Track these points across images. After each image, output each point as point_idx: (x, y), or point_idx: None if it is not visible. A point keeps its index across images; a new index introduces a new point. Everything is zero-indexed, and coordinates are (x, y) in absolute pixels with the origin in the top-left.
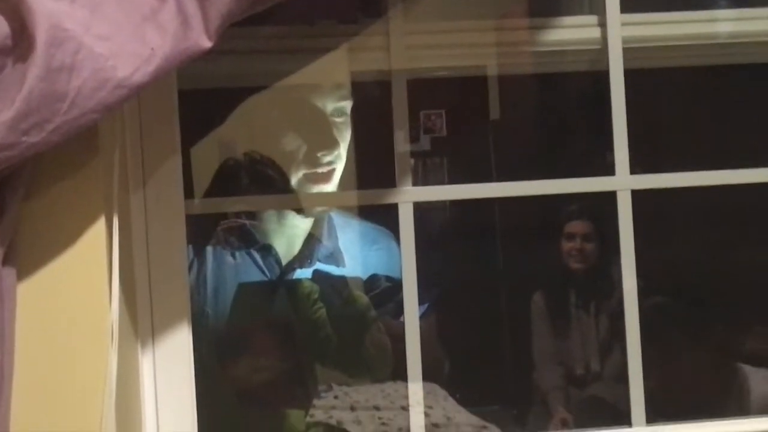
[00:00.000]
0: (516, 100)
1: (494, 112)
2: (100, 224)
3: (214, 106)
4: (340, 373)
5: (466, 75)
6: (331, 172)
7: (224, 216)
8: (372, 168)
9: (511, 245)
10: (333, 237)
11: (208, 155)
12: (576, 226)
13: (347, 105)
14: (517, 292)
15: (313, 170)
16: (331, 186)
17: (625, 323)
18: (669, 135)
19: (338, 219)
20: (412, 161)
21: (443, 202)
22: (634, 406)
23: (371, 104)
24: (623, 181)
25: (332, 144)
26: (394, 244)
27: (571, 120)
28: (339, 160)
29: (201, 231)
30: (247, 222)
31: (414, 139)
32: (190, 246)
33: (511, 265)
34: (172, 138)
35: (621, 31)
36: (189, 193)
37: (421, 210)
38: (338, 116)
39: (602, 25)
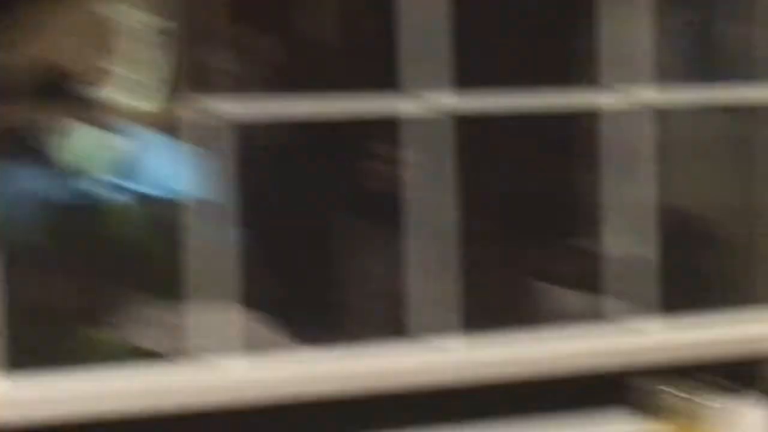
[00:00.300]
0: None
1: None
2: None
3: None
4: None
5: None
6: (106, 78)
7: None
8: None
9: (317, 166)
10: (133, 151)
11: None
12: (379, 148)
13: (155, 19)
14: (321, 214)
15: (88, 75)
16: (107, 91)
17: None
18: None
19: (149, 138)
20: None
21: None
22: None
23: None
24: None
25: (137, 58)
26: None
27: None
28: (149, 74)
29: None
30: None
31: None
32: None
33: (317, 186)
34: None
35: None
36: None
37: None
38: (145, 30)
39: None
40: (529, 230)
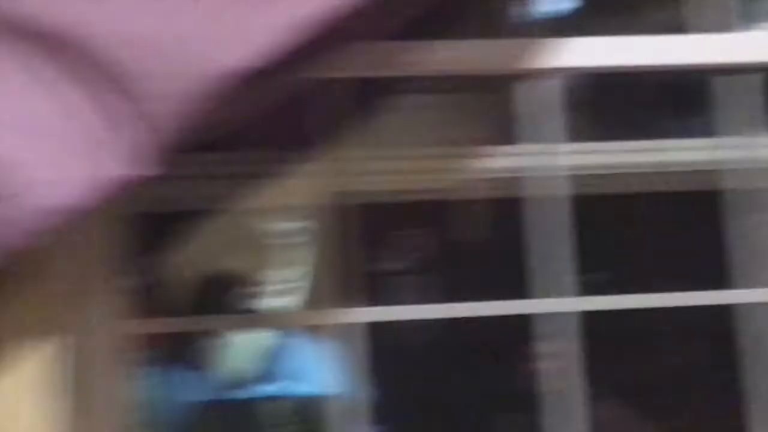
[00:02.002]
0: (479, 223)
1: (460, 234)
2: (46, 346)
3: (164, 228)
4: None
5: (421, 200)
6: (292, 290)
7: (178, 336)
8: (335, 289)
9: (476, 366)
10: (289, 355)
11: (166, 277)
12: (542, 347)
13: (305, 225)
14: (484, 415)
15: (274, 288)
16: (294, 301)
17: None
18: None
19: (295, 339)
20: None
21: (414, 324)
22: None
23: (335, 226)
24: (572, 302)
25: (287, 264)
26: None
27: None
28: (298, 278)
29: (153, 351)
30: (199, 343)
31: (385, 259)
32: (140, 367)
33: (477, 387)
34: (114, 260)
35: (568, 159)
36: (150, 311)
37: (389, 330)
38: (297, 237)
39: (552, 153)
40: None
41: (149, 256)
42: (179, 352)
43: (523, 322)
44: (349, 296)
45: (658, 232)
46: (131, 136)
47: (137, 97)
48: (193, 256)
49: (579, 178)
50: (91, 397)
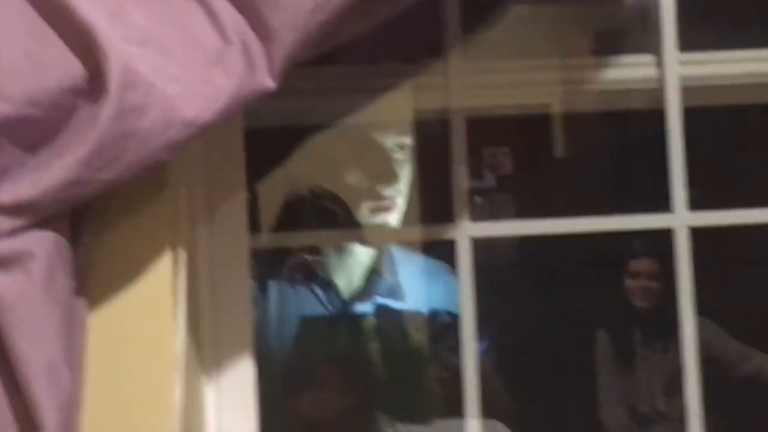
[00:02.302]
0: (580, 138)
1: (559, 150)
2: (167, 257)
3: (279, 143)
4: (388, 414)
5: (526, 113)
6: (391, 205)
7: (287, 251)
8: (435, 205)
9: (576, 283)
10: (393, 272)
11: (274, 192)
12: (640, 264)
13: (407, 140)
14: (583, 330)
15: (375, 203)
16: (392, 218)
17: (684, 360)
18: (733, 174)
19: (398, 254)
20: (479, 199)
21: (509, 241)
22: None
23: (435, 141)
24: (681, 218)
25: (392, 178)
26: (452, 278)
27: (635, 159)
28: (399, 193)
29: (266, 266)
30: (308, 258)
31: (477, 176)
32: (255, 281)
33: (575, 304)
34: (238, 175)
35: (678, 70)
36: (255, 227)
37: (486, 248)
38: (398, 151)
39: (659, 64)
40: None
41: (263, 171)
42: (289, 268)
43: (625, 239)
44: (450, 212)
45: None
46: (248, 50)
47: (253, 10)
48: (302, 172)
49: (689, 90)
50: (212, 312)
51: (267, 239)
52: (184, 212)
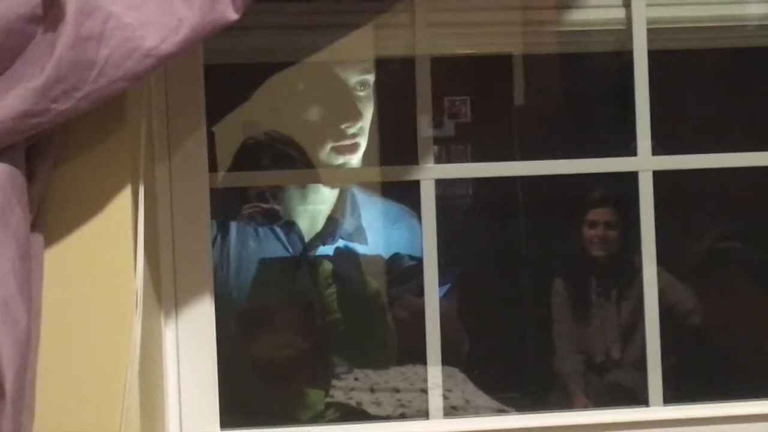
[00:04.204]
0: (541, 84)
1: (519, 98)
2: (126, 193)
3: (240, 81)
4: (345, 359)
5: (490, 54)
6: (355, 145)
7: (247, 191)
8: (397, 147)
9: (534, 231)
10: (355, 214)
11: (233, 131)
12: (599, 214)
13: (370, 78)
14: (539, 277)
15: (338, 143)
16: (356, 158)
17: (645, 302)
18: (696, 118)
19: (361, 197)
20: (436, 148)
21: (468, 185)
22: (652, 387)
23: (397, 82)
24: (644, 162)
25: (355, 116)
26: (416, 222)
27: (598, 103)
28: (362, 132)
29: (225, 207)
30: (271, 202)
31: (438, 124)
32: (214, 222)
33: (534, 251)
34: (198, 111)
35: (646, 11)
36: (213, 168)
37: (446, 192)
38: (361, 89)
39: (627, 5)
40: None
41: (225, 110)
42: (250, 209)
43: (585, 188)
44: (411, 155)
45: (732, 90)
46: None
47: None
48: (264, 110)
49: (653, 32)
50: (172, 251)
51: (228, 178)
52: (144, 147)
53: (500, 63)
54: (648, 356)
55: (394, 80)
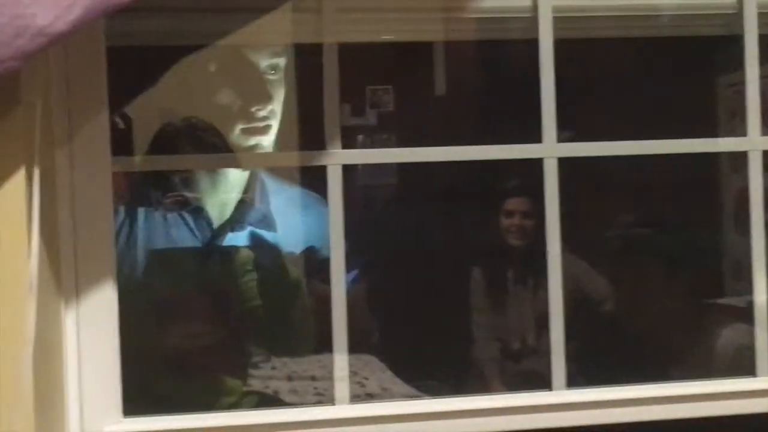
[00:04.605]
0: (460, 73)
1: (440, 87)
2: (20, 175)
3: (151, 64)
4: (263, 347)
5: (411, 42)
6: (266, 127)
7: (156, 176)
8: (317, 135)
9: (451, 220)
10: (265, 201)
11: (146, 116)
12: (515, 203)
13: (281, 62)
14: (456, 268)
15: (249, 125)
16: (267, 140)
17: (549, 287)
18: (603, 105)
19: (270, 183)
20: (360, 137)
21: (392, 174)
22: (555, 371)
23: (311, 68)
24: (549, 149)
25: (266, 99)
26: (325, 210)
27: (516, 92)
28: (273, 115)
29: (134, 191)
30: (180, 188)
31: (360, 113)
32: (122, 207)
33: (451, 240)
34: (100, 93)
35: (551, 0)
36: (130, 153)
37: (368, 181)
38: (272, 73)
39: None
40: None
41: (127, 92)
42: (155, 194)
43: (502, 178)
44: (321, 140)
45: (639, 78)
46: None
47: None
48: (175, 93)
49: (561, 20)
50: (72, 236)
51: (129, 162)
52: (39, 129)
53: (421, 52)
54: (552, 341)
55: (315, 66)
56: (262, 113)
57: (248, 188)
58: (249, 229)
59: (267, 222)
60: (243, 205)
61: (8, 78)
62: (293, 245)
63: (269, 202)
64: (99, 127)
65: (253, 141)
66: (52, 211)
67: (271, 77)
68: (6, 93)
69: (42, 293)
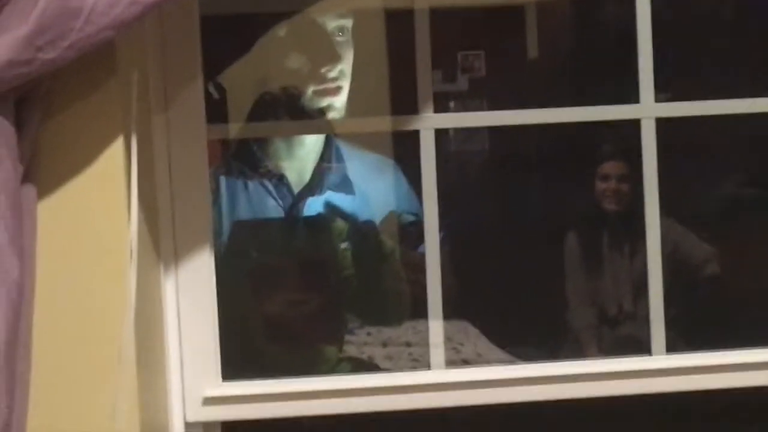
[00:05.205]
0: (553, 36)
1: (532, 51)
2: (119, 144)
3: (238, 31)
4: (355, 316)
5: (495, 5)
6: (337, 88)
7: (232, 144)
8: (402, 102)
9: (545, 185)
10: (342, 165)
11: (239, 83)
12: (611, 167)
13: (347, 23)
14: (551, 233)
15: (320, 86)
16: (338, 100)
17: (647, 252)
18: (702, 65)
19: (344, 148)
20: (452, 102)
21: (483, 140)
22: (655, 336)
23: (404, 35)
24: (647, 109)
25: (334, 59)
26: (400, 174)
27: (606, 52)
28: (343, 76)
29: (219, 162)
30: (258, 155)
31: (451, 79)
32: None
33: (545, 205)
34: (195, 61)
35: None
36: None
37: (461, 147)
38: (339, 34)
39: None
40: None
41: (217, 60)
42: (245, 160)
43: (597, 141)
44: (410, 105)
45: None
46: None
47: None
48: (255, 59)
49: None
50: (170, 203)
51: (225, 129)
52: (136, 98)
53: (512, 15)
54: (650, 305)
55: (404, 31)
56: (332, 74)
57: (324, 154)
58: (327, 194)
59: (345, 186)
60: (321, 170)
61: (105, 47)
62: (371, 210)
63: (345, 165)
64: (194, 94)
65: (325, 102)
66: (150, 179)
67: (338, 39)
68: (103, 62)
69: (142, 260)
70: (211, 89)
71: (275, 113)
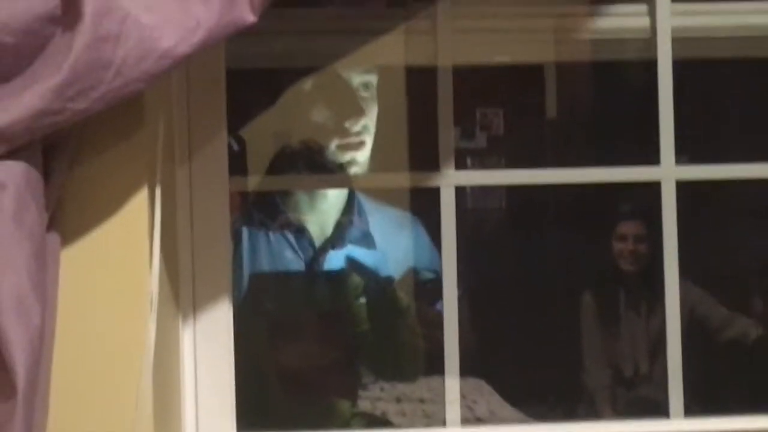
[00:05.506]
0: (572, 96)
1: (551, 109)
2: (143, 194)
3: (260, 86)
4: (369, 370)
5: (517, 70)
6: (360, 143)
7: (256, 196)
8: (429, 158)
9: (562, 244)
10: (363, 219)
11: (260, 137)
12: (628, 227)
13: (372, 79)
14: (567, 292)
15: (344, 140)
16: (362, 155)
17: (666, 313)
18: (722, 127)
19: (366, 203)
20: (469, 159)
21: (501, 198)
22: (673, 398)
23: (425, 92)
24: (667, 171)
25: (358, 113)
26: (421, 230)
27: (625, 114)
28: (367, 131)
29: (240, 214)
30: (281, 207)
31: (470, 136)
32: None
33: (562, 264)
34: (219, 114)
35: (671, 21)
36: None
37: (478, 204)
38: (364, 90)
39: (652, 14)
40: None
41: (242, 113)
42: (258, 215)
43: (614, 201)
44: (430, 161)
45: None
46: None
47: None
48: (277, 112)
49: (681, 41)
50: (191, 253)
51: (247, 182)
52: (162, 149)
53: (532, 74)
54: (669, 367)
55: (424, 90)
56: (355, 128)
57: (347, 207)
58: (349, 248)
59: (366, 240)
60: (342, 224)
61: (133, 99)
62: (391, 266)
63: (367, 220)
64: (218, 146)
65: (348, 156)
66: (172, 229)
67: (363, 95)
68: (131, 113)
69: (161, 310)
70: (231, 141)
71: (296, 166)
